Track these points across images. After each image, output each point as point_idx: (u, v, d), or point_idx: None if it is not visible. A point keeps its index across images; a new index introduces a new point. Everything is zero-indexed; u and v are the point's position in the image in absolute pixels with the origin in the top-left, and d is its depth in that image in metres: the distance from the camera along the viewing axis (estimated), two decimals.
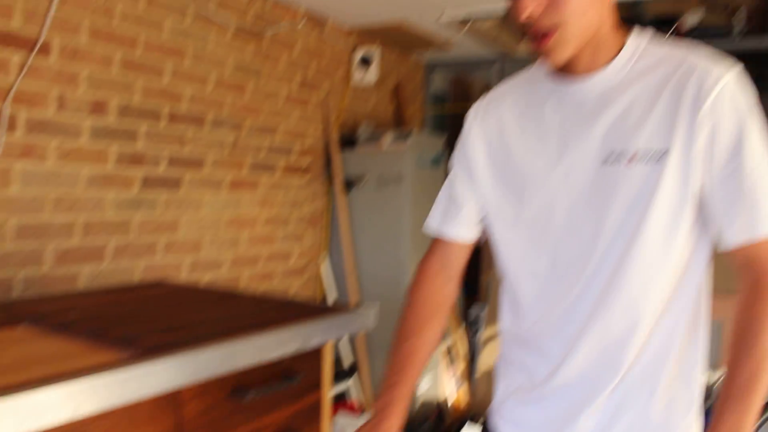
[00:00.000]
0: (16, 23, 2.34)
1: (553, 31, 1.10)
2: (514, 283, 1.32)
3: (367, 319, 1.70)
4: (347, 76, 4.24)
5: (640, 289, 1.16)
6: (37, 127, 2.42)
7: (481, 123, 1.35)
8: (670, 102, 1.12)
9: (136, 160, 2.80)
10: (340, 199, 4.01)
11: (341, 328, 1.64)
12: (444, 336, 4.34)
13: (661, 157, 1.11)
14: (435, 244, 1.42)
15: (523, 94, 1.30)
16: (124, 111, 2.74)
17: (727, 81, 1.10)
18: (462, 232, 1.38)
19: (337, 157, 4.00)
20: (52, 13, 2.43)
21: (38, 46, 2.40)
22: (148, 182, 2.86)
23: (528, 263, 1.27)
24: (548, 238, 1.23)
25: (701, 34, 4.19)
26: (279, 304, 1.80)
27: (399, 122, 4.88)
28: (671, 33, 4.18)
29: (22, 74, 2.35)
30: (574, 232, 1.20)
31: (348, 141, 4.18)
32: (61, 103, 2.50)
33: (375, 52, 4.27)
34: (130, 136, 2.77)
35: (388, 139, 4.01)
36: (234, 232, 3.36)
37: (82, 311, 1.63)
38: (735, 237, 1.11)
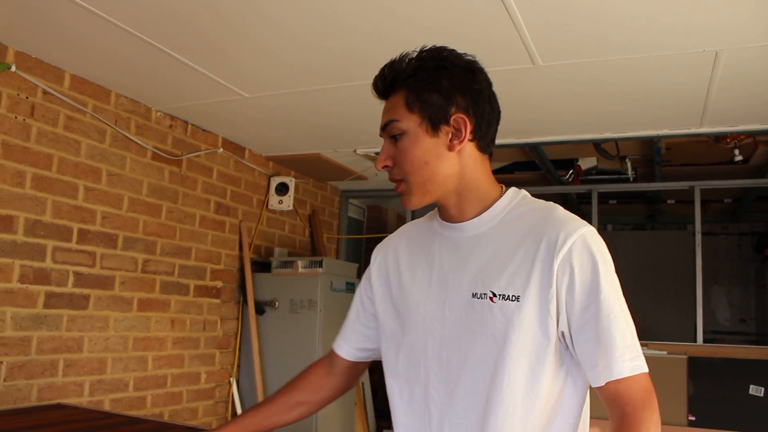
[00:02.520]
0: None
1: (402, 181, 1.27)
2: (394, 411, 1.39)
3: None
4: (264, 201, 4.35)
5: (508, 426, 1.20)
6: None
7: (382, 258, 1.47)
8: (528, 251, 1.22)
9: (42, 276, 2.78)
10: (252, 321, 4.00)
11: None
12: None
13: (516, 299, 1.19)
14: (329, 352, 1.56)
15: (417, 235, 1.43)
16: (33, 228, 2.74)
17: (581, 234, 1.20)
18: (344, 351, 1.52)
19: (249, 280, 4.04)
20: None
21: None
22: (53, 299, 2.82)
23: (404, 391, 1.35)
24: (421, 368, 1.30)
25: (598, 175, 4.55)
26: None
27: (315, 248, 4.98)
28: (571, 173, 4.51)
29: None
30: (442, 363, 1.28)
31: (262, 265, 4.23)
32: None
33: (291, 180, 4.42)
34: (38, 252, 2.76)
35: (301, 264, 4.08)
36: (141, 352, 3.31)
37: None
38: (597, 379, 1.18)
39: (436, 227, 1.37)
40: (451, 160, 1.26)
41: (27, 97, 2.73)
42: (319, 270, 4.01)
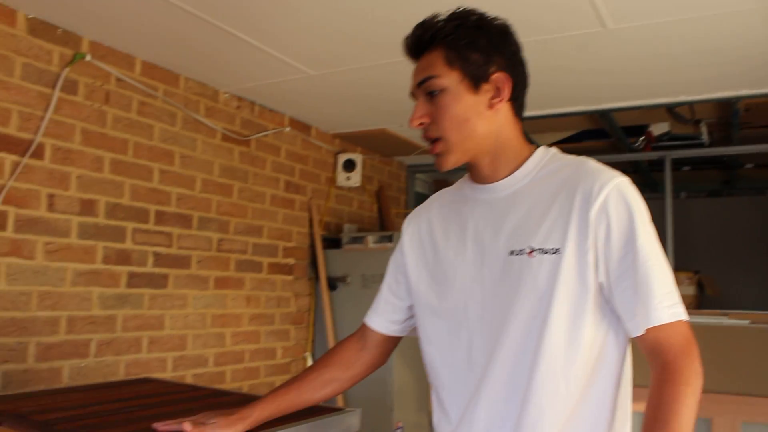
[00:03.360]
0: (12, 127, 2.47)
1: (439, 141, 1.27)
2: (435, 376, 1.38)
3: (351, 423, 1.67)
4: (332, 178, 4.39)
5: (551, 380, 1.20)
6: (26, 225, 2.51)
7: (414, 227, 1.48)
8: (563, 204, 1.22)
9: (123, 257, 2.88)
10: (325, 297, 4.07)
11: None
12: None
13: (555, 253, 1.20)
14: (360, 327, 1.57)
15: (449, 201, 1.43)
16: (113, 210, 2.84)
17: (615, 184, 1.20)
18: (376, 324, 1.52)
19: (321, 257, 4.09)
20: (48, 117, 2.57)
21: (32, 148, 2.52)
22: (134, 279, 2.93)
23: (446, 357, 1.34)
24: (462, 332, 1.30)
25: (671, 141, 4.41)
26: None
27: (383, 223, 5.00)
28: (642, 140, 4.38)
29: (14, 175, 2.46)
30: (484, 324, 1.27)
31: (332, 241, 4.29)
32: (51, 203, 2.60)
33: (358, 156, 4.44)
34: (119, 234, 2.86)
35: (371, 239, 4.11)
36: (219, 329, 3.40)
37: (65, 410, 1.65)
38: (636, 328, 1.17)
39: (468, 191, 1.38)
40: (489, 119, 1.27)
41: (102, 85, 2.81)
42: (389, 245, 4.03)
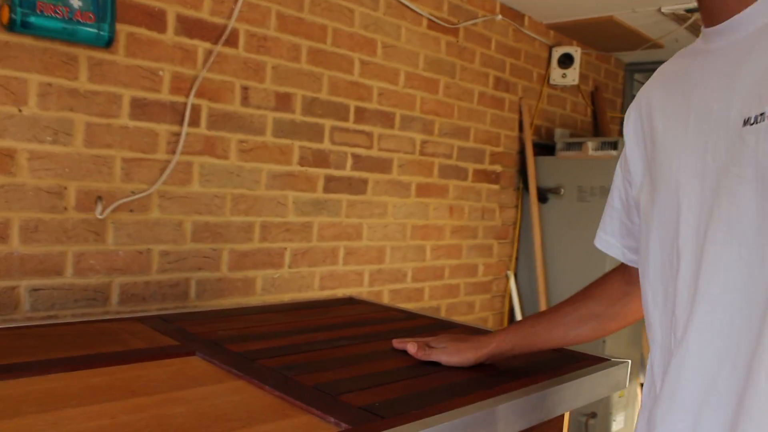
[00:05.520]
0: (204, 11, 2.20)
1: None
2: (646, 323, 0.98)
3: (618, 379, 1.32)
4: (544, 76, 3.85)
5: None
6: (219, 121, 2.26)
7: (635, 115, 1.05)
8: None
9: (321, 159, 2.59)
10: (534, 210, 3.62)
11: (590, 391, 1.25)
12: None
13: None
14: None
15: (676, 66, 1.01)
16: (310, 106, 2.54)
17: None
18: (625, 255, 1.13)
19: (532, 164, 3.62)
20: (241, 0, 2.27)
21: (225, 35, 2.24)
22: (332, 183, 2.64)
23: (658, 293, 0.92)
24: (674, 254, 0.88)
25: None
26: None
27: (597, 128, 4.41)
28: None
29: (207, 65, 2.20)
30: (698, 239, 0.83)
31: (543, 147, 3.78)
32: (246, 96, 2.33)
33: (576, 50, 3.85)
34: (316, 133, 2.57)
35: (591, 146, 3.57)
36: (419, 242, 3.08)
37: (264, 338, 1.38)
38: None
39: (699, 43, 0.95)
40: None
41: None
42: (613, 153, 3.47)
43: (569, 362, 1.30)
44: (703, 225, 0.82)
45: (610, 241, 1.13)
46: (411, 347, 1.25)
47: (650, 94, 1.02)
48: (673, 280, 0.87)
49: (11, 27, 1.74)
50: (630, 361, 1.37)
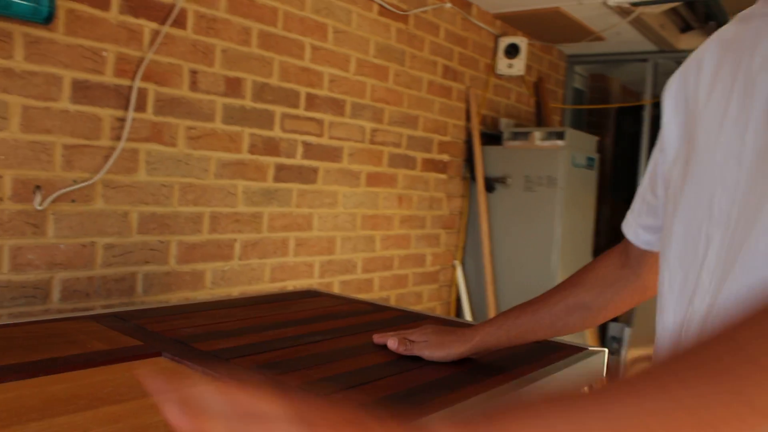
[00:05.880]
0: None
1: None
2: (658, 305, 0.89)
3: (594, 367, 1.27)
4: (490, 66, 3.84)
5: None
6: (167, 106, 2.14)
7: (679, 82, 0.91)
8: None
9: (271, 147, 2.50)
10: (481, 199, 3.60)
11: (572, 381, 1.22)
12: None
13: None
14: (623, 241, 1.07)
15: (734, 28, 0.84)
16: (261, 92, 2.44)
17: None
18: (630, 230, 1.02)
19: (479, 154, 3.60)
20: None
21: (173, 15, 2.12)
22: (282, 172, 2.55)
23: (676, 276, 0.83)
24: (700, 239, 0.79)
25: None
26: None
27: (540, 119, 4.43)
28: None
29: (155, 46, 2.08)
30: (728, 227, 0.74)
31: (490, 137, 3.78)
32: (194, 81, 2.22)
33: (522, 41, 3.85)
34: (266, 120, 2.47)
35: (538, 136, 3.57)
36: (369, 232, 3.02)
37: (231, 336, 1.29)
38: None
39: (758, 8, 0.80)
40: None
41: None
42: (560, 143, 3.49)
43: (548, 353, 1.26)
44: (736, 211, 0.73)
45: (628, 220, 1.03)
46: (392, 342, 1.18)
47: (699, 61, 0.89)
48: (695, 268, 0.78)
49: None
50: (606, 350, 1.35)
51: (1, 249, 1.79)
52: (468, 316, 3.65)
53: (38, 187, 1.85)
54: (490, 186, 3.64)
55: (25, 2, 1.71)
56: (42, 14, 1.76)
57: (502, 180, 3.62)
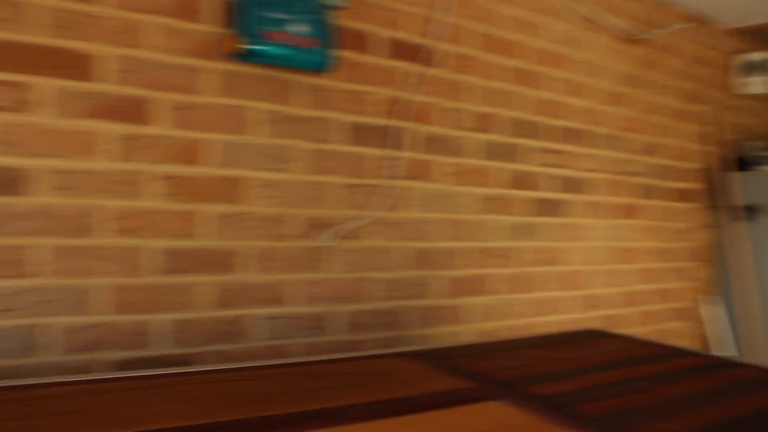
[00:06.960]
0: (413, 33, 2.13)
1: None
2: None
3: None
4: (731, 85, 3.55)
5: None
6: (431, 144, 2.17)
7: None
8: None
9: (522, 180, 2.45)
10: (739, 229, 3.31)
11: None
12: None
13: None
14: None
15: None
16: (508, 126, 2.41)
17: None
18: None
19: (733, 180, 3.33)
20: (444, 21, 2.18)
21: (432, 56, 2.16)
22: (532, 206, 2.50)
23: None
24: None
25: None
26: None
27: None
28: None
29: (418, 87, 2.12)
30: None
31: (739, 162, 3.48)
32: (456, 118, 2.23)
33: (766, 56, 3.53)
34: (515, 153, 2.43)
35: None
36: (614, 265, 2.87)
37: (552, 378, 1.24)
38: None
39: None
40: None
41: None
42: None
43: None
44: None
45: None
46: None
47: None
48: None
49: (240, 56, 1.71)
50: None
51: (288, 283, 1.88)
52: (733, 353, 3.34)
53: (320, 225, 1.92)
54: (748, 214, 3.34)
55: (314, 55, 1.78)
56: (326, 65, 1.82)
57: (762, 207, 3.30)
